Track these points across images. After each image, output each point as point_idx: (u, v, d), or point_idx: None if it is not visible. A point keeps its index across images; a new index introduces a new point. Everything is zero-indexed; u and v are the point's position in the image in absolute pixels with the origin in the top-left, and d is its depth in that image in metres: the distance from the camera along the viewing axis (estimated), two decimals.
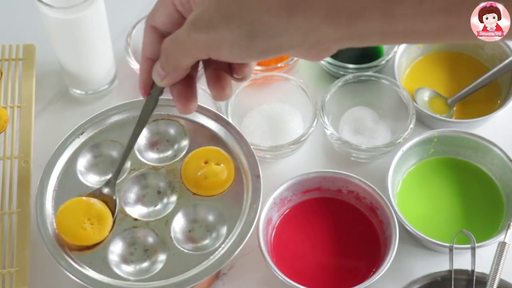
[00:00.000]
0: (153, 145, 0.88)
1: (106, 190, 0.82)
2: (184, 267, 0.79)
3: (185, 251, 0.81)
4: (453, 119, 0.97)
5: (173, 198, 0.84)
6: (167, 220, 0.82)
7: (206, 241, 0.82)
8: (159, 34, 0.70)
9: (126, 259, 0.82)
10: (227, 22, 0.59)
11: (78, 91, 1.01)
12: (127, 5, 1.09)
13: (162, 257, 0.81)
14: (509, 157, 0.90)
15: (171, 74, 0.68)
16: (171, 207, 0.83)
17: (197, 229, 0.83)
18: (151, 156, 0.87)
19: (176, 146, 0.88)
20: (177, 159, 0.86)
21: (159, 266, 0.80)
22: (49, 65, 1.03)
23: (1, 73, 0.97)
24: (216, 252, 0.80)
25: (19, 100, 0.97)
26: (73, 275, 0.79)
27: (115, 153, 0.87)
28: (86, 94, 1.01)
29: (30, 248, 0.86)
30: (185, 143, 0.87)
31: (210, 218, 0.83)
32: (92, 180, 0.86)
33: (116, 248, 0.82)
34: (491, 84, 0.99)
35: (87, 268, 0.79)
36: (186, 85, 0.70)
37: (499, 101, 0.99)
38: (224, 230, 0.82)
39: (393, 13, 0.55)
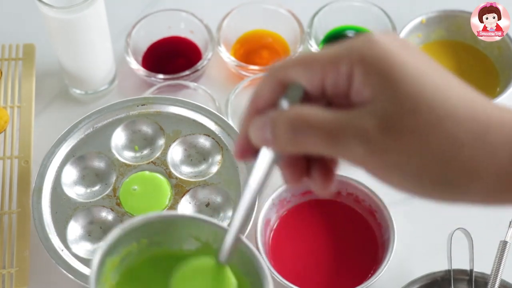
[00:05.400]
0: (130, 144, 0.88)
1: None
2: None
3: None
4: None
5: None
6: None
7: None
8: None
9: None
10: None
11: (78, 91, 1.01)
12: (127, 5, 1.09)
13: None
14: None
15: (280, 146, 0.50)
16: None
17: None
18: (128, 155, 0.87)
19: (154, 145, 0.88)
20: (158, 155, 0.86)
21: None
22: (49, 65, 1.03)
23: (1, 73, 0.97)
24: None
25: (19, 100, 0.97)
26: (72, 275, 0.79)
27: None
28: (86, 94, 1.01)
29: (30, 248, 0.86)
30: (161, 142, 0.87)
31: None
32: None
33: None
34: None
35: (87, 268, 0.80)
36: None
37: (498, 89, 0.99)
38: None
39: None
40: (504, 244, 0.82)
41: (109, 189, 0.84)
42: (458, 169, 0.46)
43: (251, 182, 0.53)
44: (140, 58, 1.03)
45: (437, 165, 0.46)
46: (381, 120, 0.46)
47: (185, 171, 0.85)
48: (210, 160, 0.86)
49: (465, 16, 1.01)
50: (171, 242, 0.63)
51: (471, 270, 0.83)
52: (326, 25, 1.04)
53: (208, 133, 0.86)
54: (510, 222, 0.83)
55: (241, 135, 0.52)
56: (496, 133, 0.46)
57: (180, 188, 0.83)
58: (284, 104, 0.51)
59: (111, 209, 0.83)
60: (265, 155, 0.52)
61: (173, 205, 0.83)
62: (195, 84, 0.98)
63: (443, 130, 0.46)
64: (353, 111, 0.47)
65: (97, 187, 0.85)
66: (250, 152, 0.52)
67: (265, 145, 0.50)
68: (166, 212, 0.63)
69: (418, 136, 0.46)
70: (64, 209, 0.83)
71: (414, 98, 0.46)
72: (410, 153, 0.46)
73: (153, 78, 0.99)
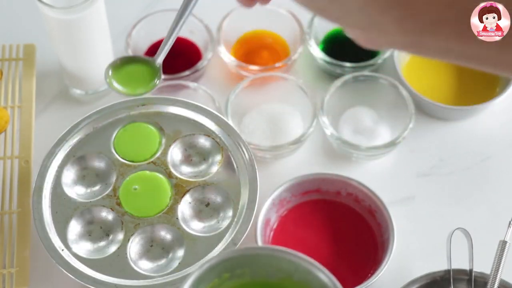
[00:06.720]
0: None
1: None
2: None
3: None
4: (453, 107, 0.97)
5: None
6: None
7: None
8: None
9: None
10: None
11: (78, 91, 1.01)
12: (127, 5, 1.09)
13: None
14: None
15: None
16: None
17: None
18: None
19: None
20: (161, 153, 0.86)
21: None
22: (49, 65, 1.03)
23: (2, 73, 0.97)
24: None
25: (19, 100, 0.97)
26: (72, 275, 0.79)
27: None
28: (86, 94, 1.01)
29: (30, 248, 0.86)
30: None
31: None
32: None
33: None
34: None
35: (87, 268, 0.80)
36: None
37: (497, 89, 1.00)
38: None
39: (468, 35, 0.55)
40: (503, 244, 0.82)
41: (109, 189, 0.84)
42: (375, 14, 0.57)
43: None
44: None
45: (356, 11, 0.58)
46: None
47: (185, 171, 0.86)
48: (210, 160, 0.86)
49: None
50: (253, 273, 0.64)
51: (471, 270, 0.83)
52: (326, 25, 1.04)
53: (208, 133, 0.86)
54: (510, 222, 0.83)
55: None
56: None
57: (180, 188, 0.84)
58: None
59: (111, 209, 0.83)
60: None
61: (173, 205, 0.83)
62: (195, 84, 0.98)
63: None
64: None
65: (97, 187, 0.85)
66: None
67: None
68: (246, 248, 0.65)
69: None
70: (65, 209, 0.83)
71: None
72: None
73: None
